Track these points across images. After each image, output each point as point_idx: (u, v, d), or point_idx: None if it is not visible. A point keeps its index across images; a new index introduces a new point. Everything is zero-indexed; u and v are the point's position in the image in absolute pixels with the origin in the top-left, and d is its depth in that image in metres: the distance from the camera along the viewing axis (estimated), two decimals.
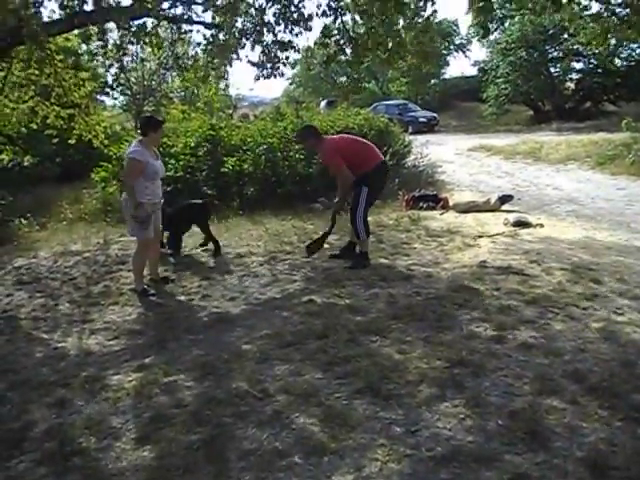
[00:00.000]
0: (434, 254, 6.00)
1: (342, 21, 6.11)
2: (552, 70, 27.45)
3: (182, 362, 3.76)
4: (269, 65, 6.13)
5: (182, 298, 5.20)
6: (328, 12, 5.99)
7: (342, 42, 6.15)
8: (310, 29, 5.81)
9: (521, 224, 7.16)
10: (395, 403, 3.00)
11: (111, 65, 9.03)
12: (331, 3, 5.91)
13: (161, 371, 3.62)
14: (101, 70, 17.55)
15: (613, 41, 24.38)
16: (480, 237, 6.61)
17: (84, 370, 3.79)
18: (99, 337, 4.41)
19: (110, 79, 20.61)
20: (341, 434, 2.76)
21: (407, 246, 6.43)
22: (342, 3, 5.95)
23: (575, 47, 25.34)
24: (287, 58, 6.15)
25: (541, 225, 7.19)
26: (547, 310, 4.17)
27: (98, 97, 22.03)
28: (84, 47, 10.03)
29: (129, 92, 23.41)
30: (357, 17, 6.09)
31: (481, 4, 5.25)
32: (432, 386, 3.14)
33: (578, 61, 26.70)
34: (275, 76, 6.24)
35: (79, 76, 9.59)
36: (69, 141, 10.01)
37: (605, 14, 6.72)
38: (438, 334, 3.85)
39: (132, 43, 6.97)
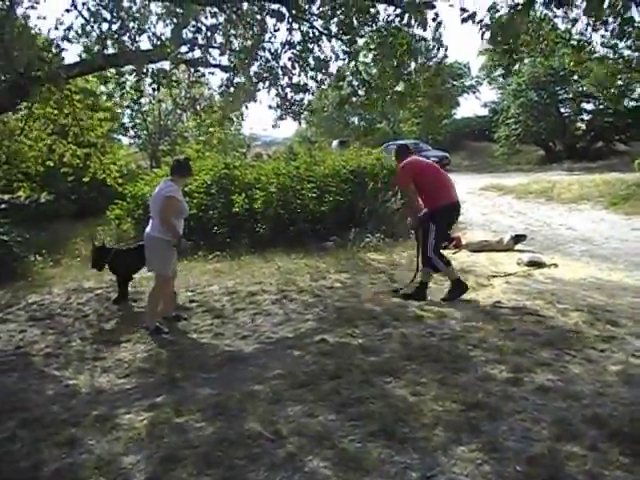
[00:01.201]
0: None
1: (355, 64, 6.25)
2: (562, 111, 27.82)
3: (194, 401, 3.73)
4: (285, 107, 6.25)
5: (194, 336, 5.19)
6: (342, 55, 6.15)
7: (355, 84, 6.29)
8: (330, 75, 5.95)
9: (535, 264, 7.11)
10: (410, 447, 2.93)
11: (128, 106, 9.27)
12: (345, 47, 6.05)
13: (172, 410, 3.58)
14: (118, 110, 17.96)
15: (620, 82, 24.82)
16: (494, 277, 6.57)
17: (95, 408, 3.76)
18: (110, 375, 4.40)
19: (127, 119, 21.06)
20: (355, 478, 2.70)
21: None
22: (356, 47, 6.09)
23: (585, 88, 25.67)
24: (302, 100, 6.28)
25: (555, 265, 7.14)
26: (564, 352, 4.10)
27: (115, 136, 22.50)
28: (102, 88, 10.21)
29: (145, 131, 23.89)
30: (369, 60, 6.25)
31: (505, 47, 5.38)
32: (448, 429, 3.08)
33: (588, 102, 26.99)
34: (295, 119, 6.35)
35: (96, 116, 9.84)
36: (84, 179, 10.20)
37: (611, 57, 6.81)
38: (453, 375, 3.79)
39: (151, 87, 7.14)
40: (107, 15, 6.80)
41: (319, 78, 6.18)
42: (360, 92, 6.44)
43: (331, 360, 4.21)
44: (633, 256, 7.95)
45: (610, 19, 6.01)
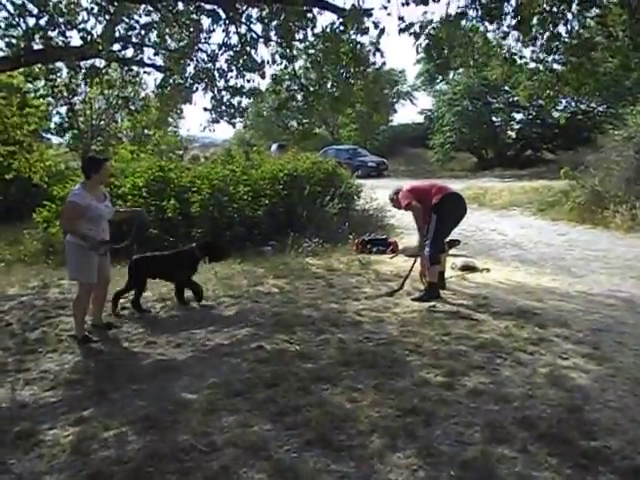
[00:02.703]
0: (384, 298, 6.00)
1: (293, 68, 6.22)
2: (494, 120, 28.80)
3: (123, 414, 3.57)
4: (220, 110, 6.14)
5: (125, 345, 4.98)
6: (279, 60, 6.10)
7: (293, 89, 6.26)
8: (263, 76, 5.89)
9: (468, 268, 7.30)
10: (347, 455, 2.92)
11: (59, 104, 8.86)
12: (283, 51, 6.00)
13: (100, 424, 3.42)
14: (50, 108, 17.22)
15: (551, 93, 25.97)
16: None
17: (17, 424, 3.53)
18: (34, 388, 4.14)
19: (58, 118, 20.22)
20: None
21: (357, 290, 6.43)
22: (294, 51, 6.07)
23: (516, 99, 26.72)
24: (239, 103, 6.19)
25: (487, 270, 7.35)
26: (495, 355, 4.21)
27: (44, 135, 21.56)
28: (30, 85, 9.77)
29: (76, 131, 22.99)
30: (308, 65, 6.23)
31: (438, 62, 5.53)
32: (384, 436, 3.08)
33: (518, 112, 28.10)
34: (230, 122, 6.25)
35: (23, 114, 9.39)
36: (7, 178, 9.71)
37: (542, 71, 7.09)
38: (389, 381, 3.81)
39: (84, 83, 6.86)
40: (34, 9, 6.51)
41: (249, 78, 6.13)
42: (298, 97, 6.42)
43: (268, 367, 4.14)
44: (559, 260, 8.31)
45: (539, 35, 6.28)
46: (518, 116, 28.53)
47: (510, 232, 11.13)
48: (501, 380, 3.78)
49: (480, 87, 27.23)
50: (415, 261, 6.42)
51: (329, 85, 6.22)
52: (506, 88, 27.19)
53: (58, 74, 7.22)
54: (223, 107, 6.04)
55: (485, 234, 11.06)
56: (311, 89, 6.18)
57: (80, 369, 4.46)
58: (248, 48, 5.70)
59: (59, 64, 7.57)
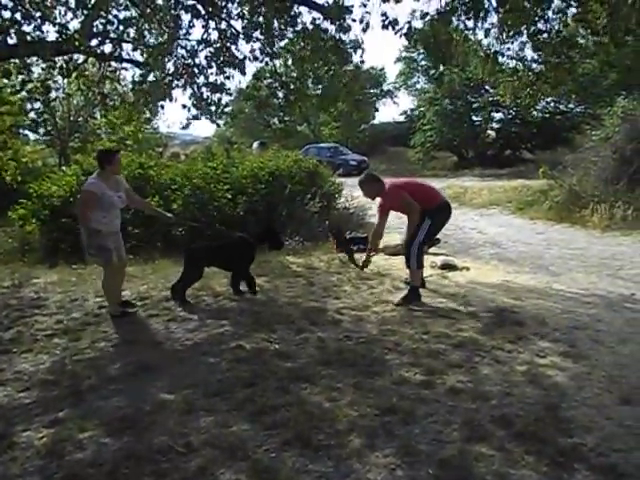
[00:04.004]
0: (364, 297, 6.01)
1: (274, 65, 6.18)
2: (475, 119, 29.04)
3: (100, 415, 3.51)
4: (200, 107, 6.07)
5: (102, 345, 4.90)
6: (261, 56, 6.05)
7: (274, 86, 6.22)
8: (244, 73, 5.84)
9: (448, 267, 7.34)
10: (325, 455, 2.90)
11: (34, 100, 8.66)
12: (265, 48, 5.96)
13: (76, 426, 3.35)
14: (24, 104, 16.91)
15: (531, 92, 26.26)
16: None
17: None
18: (8, 389, 4.05)
19: (34, 114, 19.85)
20: None
21: (337, 289, 6.42)
22: (275, 48, 6.02)
23: (496, 98, 26.96)
24: (219, 100, 6.12)
25: (467, 268, 7.39)
26: (474, 354, 4.24)
27: (21, 132, 21.18)
28: (5, 80, 9.56)
29: (53, 127, 22.62)
30: (289, 62, 6.20)
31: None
32: (362, 435, 3.07)
33: (498, 111, 28.36)
34: (211, 119, 6.17)
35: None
36: None
37: (521, 70, 7.17)
38: (368, 380, 3.81)
39: (61, 76, 6.73)
40: (9, 2, 6.38)
41: (228, 75, 6.04)
42: (279, 94, 6.38)
43: (246, 367, 4.12)
44: (537, 259, 8.39)
45: (520, 31, 6.33)
46: (498, 115, 28.84)
47: (489, 231, 11.23)
48: (479, 378, 3.80)
49: (462, 86, 27.42)
50: (359, 267, 6.26)
51: (310, 83, 6.18)
52: (487, 87, 27.46)
53: (32, 69, 7.06)
54: (203, 104, 5.98)
55: (465, 233, 11.14)
56: (292, 87, 6.15)
57: (56, 369, 4.38)
58: (228, 44, 5.65)
59: (35, 59, 7.43)
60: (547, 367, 3.97)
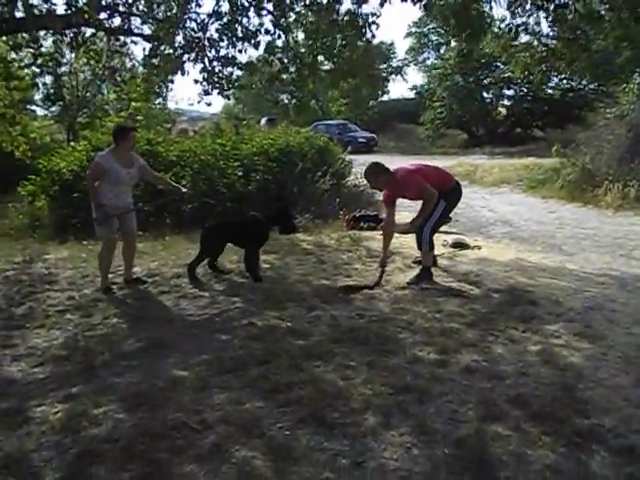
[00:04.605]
0: (376, 275, 5.96)
1: (287, 39, 6.05)
2: (485, 96, 28.65)
3: (113, 391, 3.52)
4: (211, 81, 5.97)
5: (114, 321, 4.91)
6: (272, 29, 5.92)
7: (286, 60, 6.10)
8: (257, 46, 5.70)
9: (459, 245, 7.28)
10: (340, 433, 2.89)
11: (43, 73, 8.53)
12: (278, 21, 5.82)
13: (90, 402, 3.36)
14: (34, 79, 16.79)
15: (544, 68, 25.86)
16: (418, 259, 6.64)
17: (4, 401, 3.46)
18: (22, 364, 4.06)
19: (42, 89, 19.73)
20: (285, 467, 2.63)
21: (348, 267, 6.39)
22: (288, 21, 5.89)
23: (507, 75, 26.58)
24: (231, 74, 6.02)
25: (478, 247, 7.33)
26: (487, 333, 4.20)
27: (29, 107, 21.10)
28: (14, 55, 9.46)
29: (62, 103, 22.50)
30: (302, 36, 6.07)
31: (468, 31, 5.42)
32: (377, 414, 3.06)
33: (509, 88, 27.97)
34: (222, 93, 6.06)
35: (8, 86, 9.13)
36: None
37: (536, 44, 7.01)
38: (382, 358, 3.79)
39: (69, 52, 6.63)
40: None
41: (240, 48, 5.90)
42: (291, 68, 6.26)
43: (259, 344, 4.11)
44: (549, 238, 8.32)
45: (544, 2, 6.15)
46: (509, 92, 28.46)
47: (500, 209, 11.13)
48: (494, 358, 3.77)
49: (472, 62, 27.01)
50: (383, 266, 5.83)
51: (323, 57, 6.05)
52: (498, 64, 27.03)
53: (42, 43, 6.97)
54: (215, 78, 5.87)
55: (476, 211, 11.05)
56: (305, 61, 6.03)
57: (69, 345, 4.38)
58: (239, 17, 5.53)
59: (43, 33, 7.34)
60: (562, 347, 3.93)
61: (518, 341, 4.05)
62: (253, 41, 5.64)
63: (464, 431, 2.87)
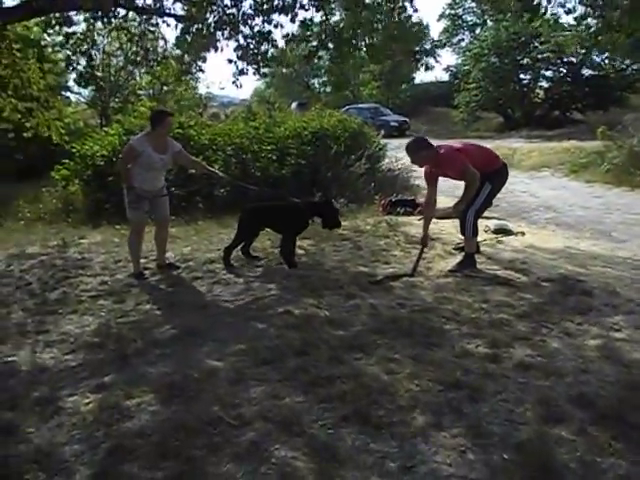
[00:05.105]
0: (414, 261, 5.70)
1: (325, 13, 5.75)
2: (522, 77, 27.77)
3: (146, 381, 3.37)
4: (247, 58, 5.73)
5: (147, 307, 4.78)
6: (309, 4, 5.61)
7: (324, 36, 5.80)
8: (294, 19, 5.42)
9: (502, 232, 6.95)
10: (387, 433, 2.68)
11: (77, 54, 8.38)
12: None
13: (122, 392, 3.22)
14: (68, 61, 16.82)
15: (582, 50, 24.95)
16: (460, 245, 6.35)
17: (36, 389, 3.36)
18: (54, 350, 3.97)
19: (75, 73, 19.78)
20: (329, 470, 2.43)
21: (387, 253, 6.15)
22: None
23: (545, 55, 25.69)
24: (266, 52, 5.78)
25: (522, 233, 7.00)
26: (540, 325, 3.93)
27: (62, 92, 21.23)
28: (48, 38, 9.41)
29: (95, 87, 22.60)
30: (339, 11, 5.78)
31: None
32: (426, 412, 2.84)
33: (548, 69, 27.04)
34: (258, 71, 5.81)
35: (42, 68, 9.08)
36: (25, 136, 9.44)
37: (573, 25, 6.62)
38: (427, 351, 3.55)
39: (103, 26, 6.48)
40: None
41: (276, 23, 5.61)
42: (330, 45, 5.96)
43: (296, 334, 3.91)
44: (597, 224, 7.92)
45: None
46: (547, 74, 27.51)
47: (542, 194, 10.71)
48: (550, 352, 3.49)
49: (509, 42, 26.16)
50: (424, 245, 5.65)
51: (362, 32, 5.74)
52: (535, 44, 26.14)
53: (74, 22, 6.83)
54: (250, 54, 5.64)
55: (516, 196, 10.63)
56: (343, 37, 5.73)
57: (101, 331, 4.28)
58: None
59: (75, 13, 7.22)
60: (624, 342, 3.63)
61: (575, 334, 3.77)
62: (290, 14, 5.37)
63: (524, 434, 2.63)
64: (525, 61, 27.06)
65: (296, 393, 3.10)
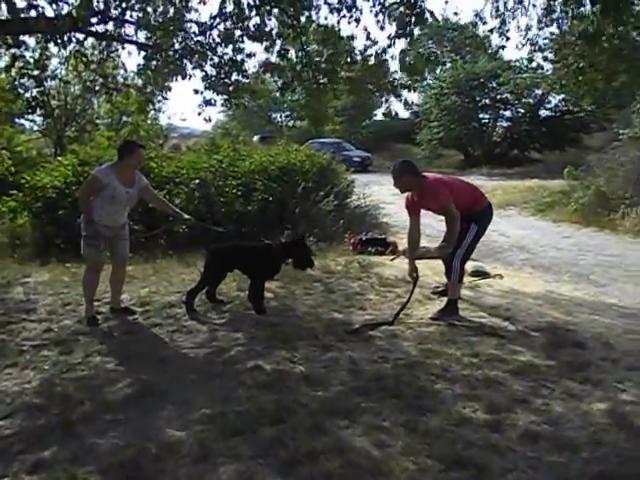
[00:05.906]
0: (393, 307, 5.33)
1: (302, 42, 5.40)
2: (482, 116, 28.35)
3: (94, 457, 2.85)
4: (216, 85, 5.36)
5: (97, 359, 4.22)
6: (284, 30, 5.25)
7: (300, 67, 5.45)
8: (270, 48, 5.08)
9: (480, 274, 6.67)
10: None
11: (28, 77, 7.75)
12: (291, 21, 5.21)
13: (65, 474, 2.69)
14: (19, 90, 16.12)
15: (539, 92, 25.69)
16: (439, 289, 6.02)
17: None
18: None
19: (21, 99, 19.02)
20: None
21: (361, 297, 5.77)
22: (301, 22, 5.26)
23: (504, 96, 26.36)
24: (237, 82, 5.41)
25: (500, 276, 6.73)
26: (539, 384, 3.57)
27: (17, 120, 20.40)
28: None
29: (46, 115, 21.76)
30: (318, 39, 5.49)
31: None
32: None
33: (506, 109, 27.69)
34: (229, 101, 5.42)
35: None
36: None
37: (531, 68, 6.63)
38: (420, 417, 3.14)
39: (57, 48, 6.02)
40: None
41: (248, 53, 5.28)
42: (305, 76, 5.63)
43: (269, 395, 3.45)
44: (573, 266, 7.75)
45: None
46: (506, 113, 28.17)
47: (513, 233, 10.57)
48: (555, 419, 3.12)
49: (468, 82, 26.77)
50: (414, 286, 5.36)
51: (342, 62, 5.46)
52: (493, 84, 26.81)
53: (27, 45, 6.36)
54: (220, 84, 5.26)
55: (487, 235, 10.36)
56: (321, 67, 5.41)
57: (44, 390, 3.72)
58: (249, 15, 4.93)
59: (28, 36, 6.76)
60: (634, 404, 3.30)
61: (579, 396, 3.42)
62: (266, 42, 5.03)
63: None
64: (484, 101, 27.67)
65: (272, 474, 2.64)
